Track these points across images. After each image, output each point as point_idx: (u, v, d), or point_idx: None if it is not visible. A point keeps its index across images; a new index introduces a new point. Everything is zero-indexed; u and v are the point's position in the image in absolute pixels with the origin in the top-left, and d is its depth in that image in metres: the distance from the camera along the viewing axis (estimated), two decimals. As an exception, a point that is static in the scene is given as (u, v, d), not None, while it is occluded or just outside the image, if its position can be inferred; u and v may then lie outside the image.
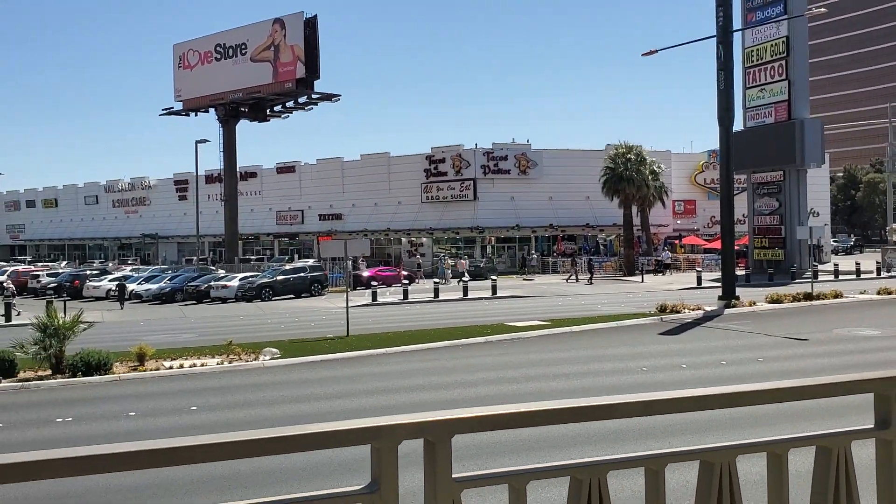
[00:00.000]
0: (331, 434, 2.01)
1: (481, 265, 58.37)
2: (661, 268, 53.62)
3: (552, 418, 2.36)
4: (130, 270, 60.52)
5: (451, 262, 54.61)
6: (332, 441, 2.03)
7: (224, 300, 43.79)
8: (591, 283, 47.93)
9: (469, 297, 38.92)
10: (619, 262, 58.17)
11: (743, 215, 53.44)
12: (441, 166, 67.15)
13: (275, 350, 19.07)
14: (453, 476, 2.18)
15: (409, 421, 2.12)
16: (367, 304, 37.29)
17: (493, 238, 67.68)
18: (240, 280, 44.95)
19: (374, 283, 41.05)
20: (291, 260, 65.40)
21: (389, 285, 50.66)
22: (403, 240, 70.73)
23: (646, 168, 55.73)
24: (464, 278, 47.87)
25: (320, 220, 76.02)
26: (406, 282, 41.23)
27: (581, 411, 2.39)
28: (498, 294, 39.42)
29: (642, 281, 47.54)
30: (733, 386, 2.68)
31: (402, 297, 39.10)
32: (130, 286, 49.04)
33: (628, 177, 54.61)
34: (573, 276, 50.97)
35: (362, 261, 57.27)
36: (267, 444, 1.92)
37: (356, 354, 18.93)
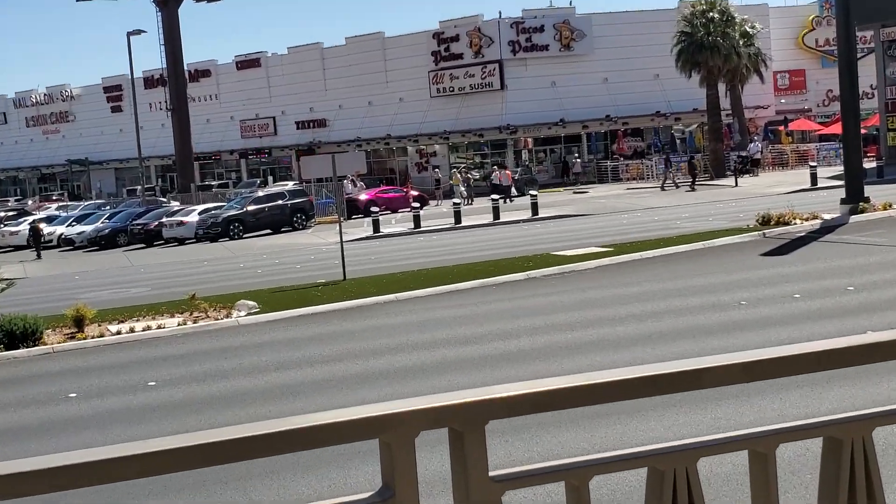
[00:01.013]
0: (322, 429, 1.94)
1: (515, 177, 58.16)
2: (745, 165, 52.49)
3: (617, 393, 2.27)
4: (57, 209, 61.13)
5: (459, 176, 54.30)
6: (325, 437, 1.96)
7: (181, 241, 44.18)
8: (693, 189, 47.64)
9: (501, 220, 39.05)
10: (702, 162, 57.69)
11: (871, 87, 52.47)
12: (454, 46, 66.41)
13: (251, 303, 19.25)
14: (490, 474, 2.11)
15: (427, 405, 2.04)
16: (367, 238, 37.49)
17: (529, 140, 67.29)
18: (199, 214, 45.25)
19: (374, 209, 41.13)
20: (265, 184, 65.66)
21: (395, 211, 50.76)
22: (410, 149, 70.58)
23: (735, 30, 54.60)
24: (509, 195, 47.83)
25: (298, 129, 75.91)
26: (417, 205, 41.19)
27: (656, 381, 2.29)
28: (540, 214, 39.41)
29: (736, 184, 47.16)
30: (880, 334, 2.55)
31: (412, 225, 39.22)
32: (56, 228, 49.53)
33: (711, 43, 53.52)
34: (670, 181, 50.58)
35: (358, 180, 57.27)
36: (230, 449, 1.85)
37: (356, 303, 19.08)
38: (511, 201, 48.55)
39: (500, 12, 66.30)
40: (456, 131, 66.19)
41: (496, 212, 39.64)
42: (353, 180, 55.20)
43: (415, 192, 52.34)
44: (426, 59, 67.53)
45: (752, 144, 55.74)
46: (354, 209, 50.09)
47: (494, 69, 64.85)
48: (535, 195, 40.97)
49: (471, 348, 13.68)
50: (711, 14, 54.72)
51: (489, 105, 65.22)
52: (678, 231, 27.56)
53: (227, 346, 15.81)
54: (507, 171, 54.71)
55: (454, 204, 40.51)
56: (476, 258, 25.05)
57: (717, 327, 13.65)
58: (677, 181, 51.08)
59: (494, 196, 41.27)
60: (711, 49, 53.53)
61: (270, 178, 69.51)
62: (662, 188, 50.21)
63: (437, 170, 60.53)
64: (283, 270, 27.26)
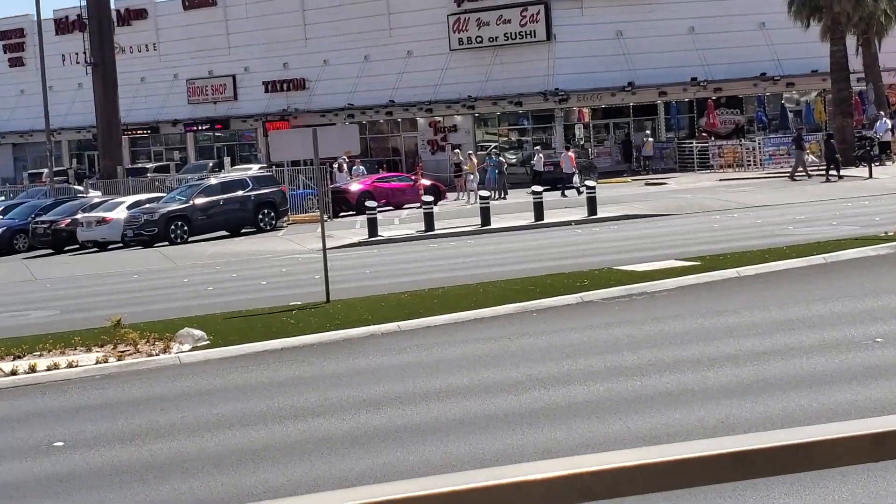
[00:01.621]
0: None
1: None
2: (868, 151, 51.35)
3: (691, 474, 2.25)
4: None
5: (474, 160, 53.92)
6: None
7: (103, 246, 44.31)
8: (838, 178, 47.33)
9: (545, 221, 39.10)
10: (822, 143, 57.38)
11: None
12: (484, -19, 66.66)
13: (198, 333, 19.28)
14: None
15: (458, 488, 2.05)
16: (360, 244, 37.60)
17: (585, 111, 67.26)
18: (129, 209, 45.38)
19: (370, 203, 41.06)
20: (220, 168, 65.88)
21: (399, 206, 50.80)
22: (421, 121, 70.71)
23: (870, -37, 54.49)
24: (571, 185, 47.51)
25: (267, 92, 76.23)
26: (429, 199, 41.17)
27: (747, 461, 2.26)
28: (599, 213, 39.43)
29: (870, 176, 46.92)
30: None
31: (422, 226, 39.27)
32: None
33: (837, -20, 53.49)
34: (802, 172, 50.06)
35: (356, 164, 57.39)
36: None
37: (344, 335, 19.10)
38: (579, 193, 48.26)
39: (546, -66, 66.41)
40: (485, 97, 66.33)
41: (538, 209, 39.65)
42: (342, 164, 55.39)
43: (426, 182, 52.45)
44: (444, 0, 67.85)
45: (880, 122, 55.21)
46: (344, 204, 50.19)
47: (539, 13, 65.07)
48: (594, 187, 40.94)
49: (502, 400, 13.63)
50: (840, -61, 54.63)
51: (531, 63, 65.31)
52: (790, 239, 27.50)
53: (165, 394, 15.82)
54: (570, 153, 54.51)
55: (481, 198, 40.53)
56: (510, 273, 25.06)
57: (842, 374, 13.55)
58: (809, 170, 50.55)
59: (536, 188, 41.28)
60: (838, -9, 53.43)
61: (228, 161, 69.87)
62: (792, 177, 49.83)
63: (457, 150, 60.58)
64: (244, 288, 27.29)
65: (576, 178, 51.10)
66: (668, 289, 21.72)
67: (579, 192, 48.54)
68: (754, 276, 22.56)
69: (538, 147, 61.41)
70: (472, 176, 52.58)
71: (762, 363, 14.50)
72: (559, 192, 51.14)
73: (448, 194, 54.25)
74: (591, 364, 15.24)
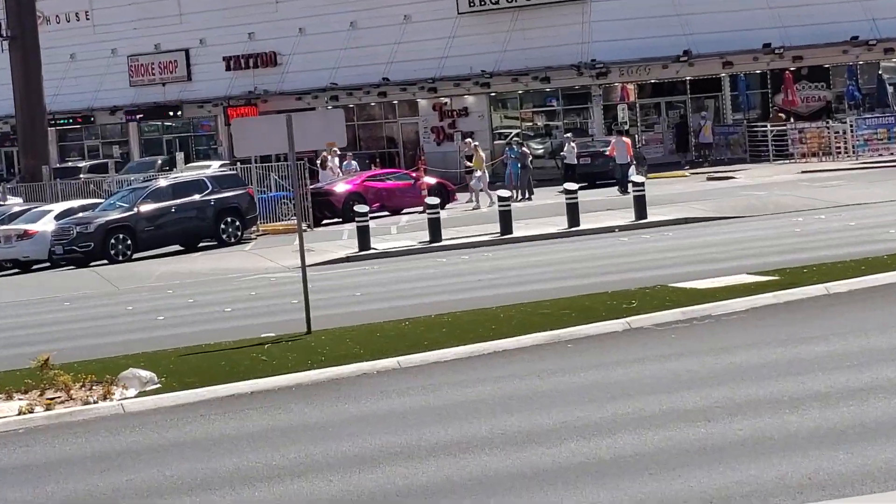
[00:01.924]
0: None
1: (606, 151, 58.05)
2: None
3: None
4: None
5: (482, 155, 53.75)
6: None
7: (25, 266, 44.39)
8: None
9: (584, 227, 39.18)
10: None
11: None
12: (501, -74, 66.75)
13: (146, 374, 19.25)
14: None
15: None
16: (349, 259, 37.71)
17: (629, 88, 67.22)
18: (58, 219, 45.40)
19: (360, 208, 40.98)
20: (172, 166, 65.89)
21: (397, 211, 50.77)
22: (423, 103, 70.72)
23: None
24: (626, 180, 46.99)
25: (229, 69, 76.38)
26: (434, 201, 41.08)
27: None
28: (649, 216, 39.51)
29: None
30: None
31: (427, 236, 39.29)
32: None
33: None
34: None
35: (341, 158, 57.37)
36: None
37: (329, 374, 19.11)
38: (624, 192, 48.03)
39: None
40: (503, 72, 66.42)
41: (573, 213, 39.63)
42: (327, 158, 55.37)
43: (431, 180, 52.46)
44: (451, -51, 68.01)
45: None
46: (327, 209, 50.19)
47: (569, -36, 65.13)
48: (642, 183, 40.89)
49: (529, 454, 13.59)
50: None
51: (561, 28, 65.39)
52: (892, 246, 27.40)
53: (106, 452, 15.79)
54: (626, 139, 54.32)
55: (500, 200, 40.47)
56: (538, 294, 25.07)
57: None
58: None
59: (569, 186, 41.20)
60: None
61: (181, 157, 69.92)
62: None
63: (469, 140, 60.39)
64: (203, 317, 27.32)
65: (632, 171, 50.92)
66: (738, 311, 21.68)
67: (625, 190, 48.37)
68: (847, 293, 22.49)
69: (569, 134, 61.35)
70: (478, 173, 52.38)
71: (860, 403, 14.43)
72: (616, 188, 50.88)
73: (458, 195, 54.17)
74: (643, 407, 15.18)
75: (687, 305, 22.08)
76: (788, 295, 22.47)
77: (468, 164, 55.55)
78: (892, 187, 43.58)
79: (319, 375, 19.11)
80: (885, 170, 50.75)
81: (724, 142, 65.08)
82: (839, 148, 58.86)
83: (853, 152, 57.98)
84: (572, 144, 57.58)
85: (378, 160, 67.52)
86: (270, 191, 50.91)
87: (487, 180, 52.49)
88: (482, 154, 54.13)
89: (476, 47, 66.64)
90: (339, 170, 55.97)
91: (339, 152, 55.72)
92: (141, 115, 79.92)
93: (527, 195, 53.06)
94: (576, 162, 56.18)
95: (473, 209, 50.42)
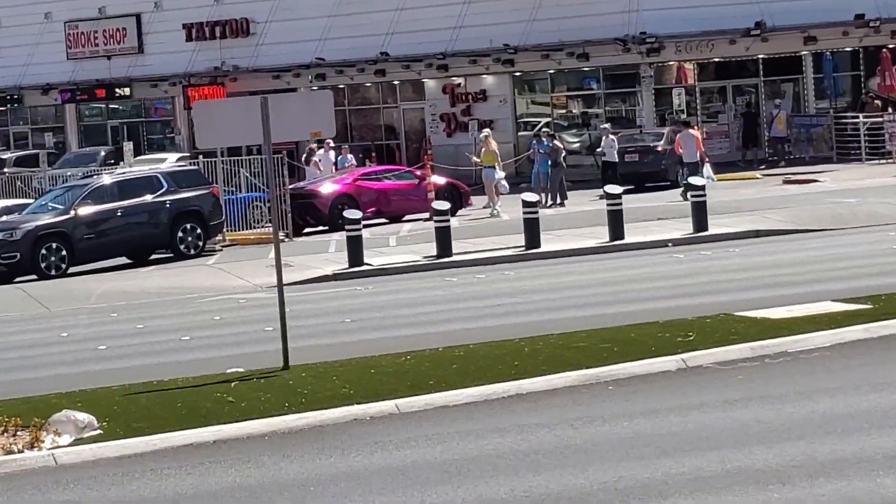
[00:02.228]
0: None
1: (658, 146, 58.07)
2: None
3: None
4: None
5: (495, 147, 53.48)
6: None
7: (-67, 280, 44.47)
8: None
9: (629, 240, 39.29)
10: None
11: None
12: None
13: (85, 417, 19.31)
14: None
15: None
16: (336, 276, 37.85)
17: (687, 67, 67.31)
18: (-23, 222, 45.55)
19: (350, 213, 41.03)
20: (117, 160, 66.07)
21: (397, 218, 50.81)
22: (430, 84, 70.85)
23: None
24: (701, 178, 46.78)
25: (190, 40, 76.70)
26: (443, 206, 41.06)
27: None
28: (710, 228, 39.65)
29: None
30: None
31: (434, 250, 39.37)
32: None
33: None
34: None
35: (346, 154, 57.44)
36: None
37: (314, 419, 19.18)
38: (685, 196, 48.14)
39: None
40: (530, 47, 66.49)
41: (615, 222, 39.67)
42: (313, 150, 55.51)
43: (440, 180, 52.56)
44: None
45: None
46: (311, 214, 50.27)
47: (615, -89, 65.31)
48: (703, 187, 40.93)
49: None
50: None
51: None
52: None
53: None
54: (695, 131, 54.35)
55: (526, 205, 40.46)
56: (572, 322, 25.15)
57: None
58: None
59: (611, 189, 41.23)
60: None
61: (129, 147, 70.07)
62: None
63: (487, 130, 60.15)
64: (155, 347, 27.40)
65: (707, 169, 50.91)
66: (821, 347, 21.63)
67: (686, 195, 48.32)
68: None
69: (607, 125, 61.03)
70: (498, 173, 52.26)
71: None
72: (679, 193, 50.96)
73: (473, 198, 54.21)
74: (703, 465, 15.24)
75: (757, 339, 22.03)
76: (883, 328, 22.41)
77: (476, 159, 55.51)
78: None
79: (298, 421, 19.13)
80: None
81: (805, 136, 65.04)
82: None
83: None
84: (612, 137, 57.42)
85: (374, 154, 67.68)
86: (240, 191, 50.99)
87: (503, 181, 52.23)
88: (494, 146, 53.68)
89: (497, 16, 66.76)
90: (331, 166, 56.08)
91: (331, 144, 55.94)
92: (81, 96, 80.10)
93: (558, 200, 53.09)
94: (617, 159, 56.12)
95: (491, 216, 50.36)
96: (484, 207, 53.22)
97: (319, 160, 56.69)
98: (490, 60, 67.75)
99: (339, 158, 57.30)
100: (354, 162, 58.08)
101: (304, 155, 55.67)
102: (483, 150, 53.59)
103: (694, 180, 42.78)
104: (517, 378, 20.59)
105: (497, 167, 52.29)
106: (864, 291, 25.76)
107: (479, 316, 27.71)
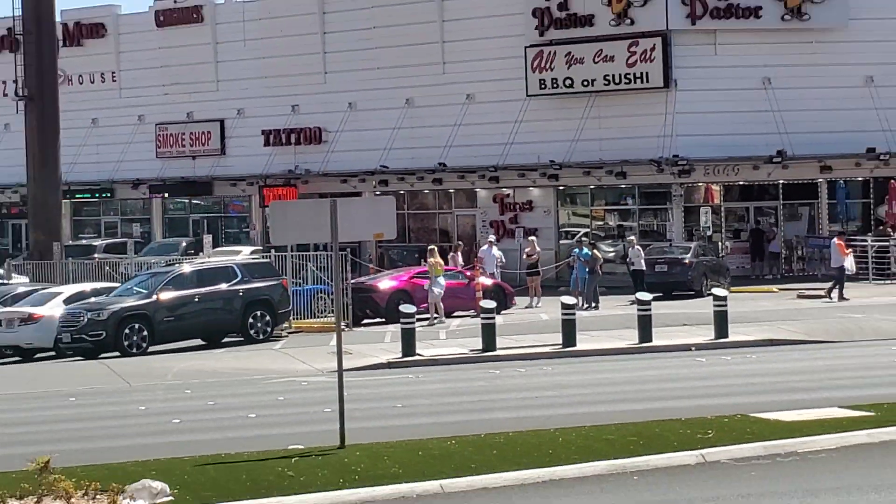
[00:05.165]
0: None
1: (685, 259, 58.06)
2: None
3: None
4: None
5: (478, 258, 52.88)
6: None
7: (27, 354, 44.49)
8: None
9: (656, 343, 39.28)
10: None
11: None
12: (577, 2, 67.14)
13: (159, 485, 19.25)
14: None
15: None
16: (391, 364, 37.73)
17: (714, 188, 67.31)
18: (67, 302, 45.62)
19: (405, 308, 41.02)
20: (197, 250, 66.26)
21: (449, 314, 50.71)
22: (482, 193, 70.93)
23: None
24: (715, 297, 46.41)
25: (268, 145, 76.93)
26: (490, 305, 41.09)
27: None
28: (730, 336, 39.54)
29: None
30: None
31: (479, 344, 39.28)
32: None
33: None
34: None
35: (492, 243, 57.38)
36: None
37: (366, 495, 19.08)
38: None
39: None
40: (573, 164, 66.53)
41: (645, 326, 39.63)
42: (371, 251, 55.20)
43: (487, 281, 52.49)
44: (523, 23, 68.65)
45: None
46: (369, 307, 50.25)
47: (654, 49, 65.56)
48: (724, 298, 40.83)
49: None
50: None
51: (641, 118, 65.68)
52: None
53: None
54: (839, 241, 55.12)
55: (565, 307, 40.41)
56: (602, 416, 25.05)
57: None
58: None
59: (642, 296, 41.17)
60: None
61: (209, 240, 70.23)
62: None
63: (532, 238, 59.81)
64: (224, 422, 27.33)
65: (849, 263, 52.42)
66: (828, 448, 21.50)
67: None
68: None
69: (632, 238, 60.80)
70: (440, 282, 51.55)
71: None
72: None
73: (517, 298, 54.19)
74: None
75: (770, 439, 21.94)
76: (885, 434, 22.27)
77: (457, 265, 55.26)
78: None
79: (352, 496, 19.05)
80: None
81: (819, 255, 64.79)
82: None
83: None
84: (637, 248, 57.33)
85: (421, 257, 67.55)
86: (307, 283, 51.00)
87: (432, 297, 51.16)
88: (438, 259, 52.10)
89: (545, 134, 66.81)
90: (494, 262, 55.76)
91: (493, 241, 56.54)
92: (166, 191, 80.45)
93: (592, 304, 52.99)
94: (644, 268, 56.08)
95: (430, 324, 48.83)
96: (525, 307, 53.16)
97: (483, 256, 56.34)
98: (537, 174, 67.82)
99: (483, 250, 57.15)
100: (502, 257, 57.77)
101: (355, 252, 55.52)
102: (431, 261, 52.26)
103: (719, 292, 42.37)
104: (551, 465, 20.46)
105: (438, 279, 51.03)
106: (868, 400, 25.65)
107: (519, 406, 27.64)
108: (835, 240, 55.02)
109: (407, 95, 71.84)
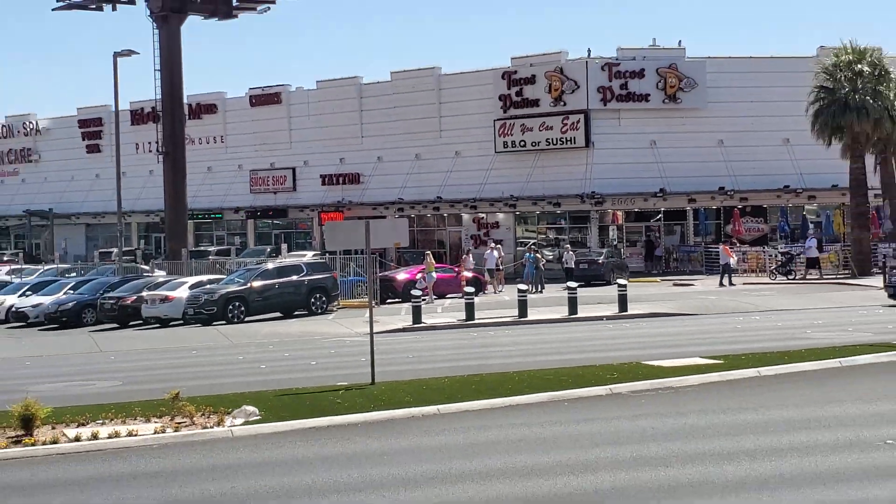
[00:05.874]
0: None
1: (599, 260, 58.40)
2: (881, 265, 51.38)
3: None
4: (8, 273, 61.91)
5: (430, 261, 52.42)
6: None
7: (164, 322, 44.59)
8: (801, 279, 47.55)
9: (580, 315, 39.35)
10: (841, 254, 57.18)
11: None
12: (528, 90, 67.21)
13: (251, 409, 19.35)
14: None
15: None
16: (404, 329, 37.88)
17: (618, 214, 67.44)
18: (191, 288, 45.74)
19: (416, 292, 41.37)
20: (277, 253, 66.38)
21: (443, 295, 50.86)
22: (465, 217, 70.99)
23: (889, 87, 54.55)
24: (619, 285, 46.49)
25: (324, 184, 76.89)
26: (470, 290, 41.43)
27: None
28: (629, 310, 39.50)
29: (887, 284, 46.72)
30: None
31: (463, 316, 39.37)
32: (5, 298, 50.18)
33: (858, 103, 53.44)
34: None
35: (492, 246, 57.15)
36: None
37: (387, 416, 19.15)
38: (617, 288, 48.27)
39: (588, 50, 66.94)
40: (526, 197, 66.47)
41: (573, 304, 39.79)
42: (392, 253, 55.12)
43: (468, 273, 52.58)
44: (492, 104, 68.31)
45: (886, 245, 55.16)
46: (391, 291, 50.39)
47: (578, 121, 65.37)
48: (625, 286, 41.01)
49: (533, 483, 13.64)
50: (859, 66, 54.67)
51: (570, 167, 65.64)
52: (808, 343, 27.46)
53: (217, 464, 15.89)
54: (725, 246, 56.10)
55: (520, 291, 40.57)
56: (545, 363, 25.13)
57: (855, 472, 13.53)
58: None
59: (571, 284, 41.40)
60: (858, 111, 53.30)
61: (285, 247, 70.31)
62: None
63: (497, 246, 59.88)
64: (294, 367, 27.43)
65: (733, 262, 54.09)
66: (692, 385, 21.68)
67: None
68: (774, 376, 22.50)
69: (568, 245, 61.42)
70: (433, 275, 50.71)
71: (778, 458, 14.45)
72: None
73: (499, 287, 54.41)
74: (618, 453, 15.22)
75: (654, 378, 22.06)
76: (730, 375, 22.46)
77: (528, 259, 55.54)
78: (809, 299, 43.60)
79: (379, 416, 19.15)
80: (812, 286, 50.81)
81: (686, 257, 65.02)
82: (772, 267, 58.45)
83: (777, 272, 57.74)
84: (571, 252, 57.72)
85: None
86: (350, 276, 51.07)
87: (427, 285, 49.73)
88: (432, 260, 52.72)
89: (507, 178, 66.90)
90: (494, 260, 55.32)
91: (493, 246, 56.59)
92: (256, 215, 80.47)
93: (539, 289, 53.04)
94: (573, 266, 56.25)
95: (427, 303, 46.73)
96: (495, 292, 53.24)
97: (488, 254, 56.27)
98: (502, 204, 67.78)
99: (486, 253, 57.07)
100: (499, 252, 57.17)
101: (381, 254, 55.47)
102: (427, 261, 52.60)
103: (621, 282, 42.55)
104: (511, 395, 20.54)
105: (430, 274, 50.81)
106: (719, 353, 25.69)
107: (490, 357, 27.64)
108: (721, 245, 55.73)
109: (416, 152, 71.83)
